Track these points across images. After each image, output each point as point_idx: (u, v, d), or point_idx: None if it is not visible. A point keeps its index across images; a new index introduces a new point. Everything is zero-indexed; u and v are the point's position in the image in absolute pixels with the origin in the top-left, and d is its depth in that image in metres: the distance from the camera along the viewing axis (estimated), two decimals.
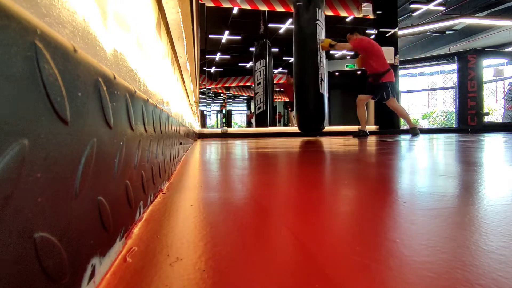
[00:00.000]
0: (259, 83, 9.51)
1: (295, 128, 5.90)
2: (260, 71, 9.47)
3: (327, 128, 5.77)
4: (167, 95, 1.24)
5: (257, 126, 9.22)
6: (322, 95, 5.06)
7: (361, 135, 4.86)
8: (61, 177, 0.26)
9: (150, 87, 0.83)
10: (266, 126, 9.07)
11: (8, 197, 0.20)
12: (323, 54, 5.08)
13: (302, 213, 0.60)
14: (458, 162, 1.46)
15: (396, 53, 7.06)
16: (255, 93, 9.62)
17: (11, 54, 0.21)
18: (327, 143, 3.37)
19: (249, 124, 16.88)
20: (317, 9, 5.01)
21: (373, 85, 4.70)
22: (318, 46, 5.02)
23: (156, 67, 1.00)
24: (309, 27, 5.08)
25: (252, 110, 10.09)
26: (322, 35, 5.08)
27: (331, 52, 12.16)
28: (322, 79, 5.03)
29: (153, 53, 0.94)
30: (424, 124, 13.08)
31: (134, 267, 0.37)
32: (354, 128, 5.80)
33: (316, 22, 5.02)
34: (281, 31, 10.71)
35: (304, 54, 5.19)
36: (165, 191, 0.82)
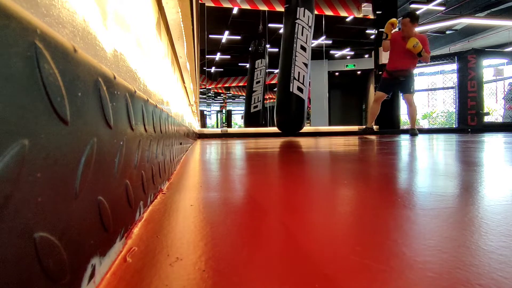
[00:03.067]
0: (258, 82, 9.50)
1: None
2: (260, 70, 9.47)
3: (325, 128, 5.75)
4: (167, 95, 1.24)
5: (250, 125, 9.17)
6: (295, 95, 5.01)
7: (368, 132, 4.82)
8: (61, 177, 0.26)
9: (150, 87, 0.83)
10: (260, 126, 9.04)
11: (8, 197, 0.20)
12: (299, 54, 5.03)
13: (301, 213, 0.60)
14: (458, 162, 1.46)
15: None
16: (253, 91, 9.58)
17: (11, 54, 0.21)
18: (325, 143, 3.37)
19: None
20: (298, 8, 5.00)
21: (392, 81, 4.55)
22: (294, 45, 4.99)
23: (156, 67, 1.00)
24: (289, 27, 5.08)
25: (245, 109, 10.02)
26: (303, 35, 5.04)
27: (330, 51, 12.19)
28: (295, 78, 4.99)
29: (153, 53, 0.94)
30: (424, 124, 13.09)
31: (134, 267, 0.37)
32: (354, 128, 5.81)
33: (296, 21, 5.00)
34: (281, 31, 10.71)
35: (282, 53, 5.20)
36: (165, 191, 0.82)
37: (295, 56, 5.02)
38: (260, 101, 9.54)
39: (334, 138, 5.05)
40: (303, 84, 5.05)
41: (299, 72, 5.03)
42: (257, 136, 6.55)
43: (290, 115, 5.12)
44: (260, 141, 4.35)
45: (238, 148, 2.89)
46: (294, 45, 5.02)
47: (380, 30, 7.16)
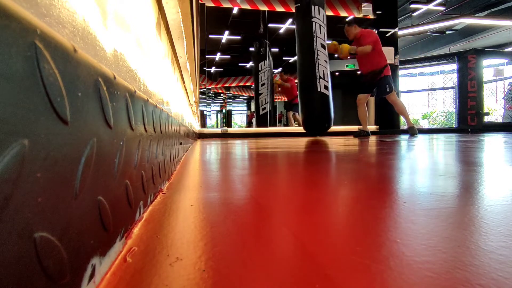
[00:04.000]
0: (263, 84, 9.49)
1: (295, 128, 5.90)
2: (264, 72, 9.46)
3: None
4: (167, 95, 1.24)
5: (259, 126, 9.17)
6: (321, 94, 5.03)
7: (362, 135, 4.84)
8: (61, 177, 0.26)
9: (150, 87, 0.83)
10: (269, 126, 9.04)
11: (8, 197, 0.20)
12: (321, 52, 5.04)
13: (302, 213, 0.60)
14: (458, 162, 1.46)
15: (396, 53, 7.06)
16: (259, 94, 9.57)
17: (11, 54, 0.21)
18: (326, 143, 3.37)
19: (249, 124, 16.84)
20: (312, 6, 5.00)
21: (370, 82, 4.66)
22: (314, 44, 4.99)
23: (156, 67, 1.00)
24: (306, 25, 5.07)
25: (253, 110, 10.01)
26: (321, 33, 5.06)
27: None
28: (320, 77, 4.99)
29: (153, 53, 0.94)
30: (424, 124, 13.09)
31: (134, 267, 0.37)
32: (355, 128, 5.81)
33: (312, 20, 5.00)
34: (281, 31, 10.71)
35: (302, 53, 5.18)
36: (165, 191, 0.82)
37: (317, 55, 4.99)
38: (268, 102, 9.49)
39: (334, 138, 5.05)
40: (328, 82, 5.06)
41: (323, 71, 5.02)
42: (257, 136, 6.56)
43: (318, 115, 5.10)
44: (260, 141, 4.35)
45: (237, 148, 2.89)
46: (315, 44, 4.99)
47: (380, 30, 7.17)
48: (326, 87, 5.05)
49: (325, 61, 5.09)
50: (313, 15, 5.01)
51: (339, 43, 4.70)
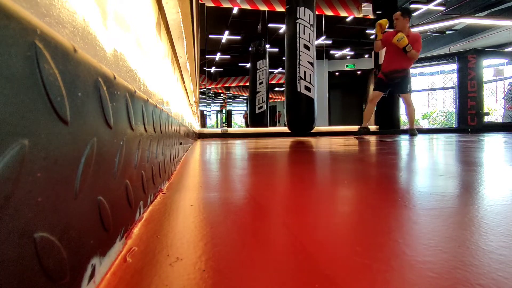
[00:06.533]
0: (261, 83, 9.50)
1: None
2: (262, 71, 9.47)
3: (325, 128, 5.75)
4: (167, 95, 1.24)
5: (255, 126, 9.16)
6: (302, 95, 5.06)
7: (362, 132, 4.82)
8: (61, 177, 0.26)
9: (150, 87, 0.83)
10: (266, 126, 9.04)
11: (8, 197, 0.20)
12: (303, 53, 5.06)
13: (302, 213, 0.60)
14: (458, 162, 1.46)
15: None
16: (257, 93, 9.58)
17: (11, 54, 0.21)
18: (326, 143, 3.37)
19: (247, 124, 16.88)
20: (298, 7, 5.03)
21: (387, 82, 4.53)
22: (297, 45, 5.02)
23: (156, 67, 1.00)
24: (291, 27, 5.13)
25: (250, 110, 10.02)
26: (305, 33, 5.07)
27: (330, 51, 12.15)
28: (301, 78, 5.03)
29: (153, 53, 0.94)
30: (424, 124, 13.09)
31: (134, 267, 0.37)
32: (354, 128, 5.82)
33: (297, 21, 5.03)
34: (281, 31, 10.72)
35: (287, 54, 5.25)
36: (165, 191, 0.82)
37: (299, 55, 5.05)
38: (264, 101, 9.53)
39: (334, 138, 5.05)
40: (310, 83, 5.08)
41: (305, 72, 5.06)
42: (257, 136, 6.55)
43: (300, 115, 5.15)
44: (260, 141, 4.35)
45: (237, 148, 2.89)
46: (297, 44, 5.05)
47: None
48: (307, 89, 5.08)
49: (309, 62, 5.11)
50: (298, 16, 5.06)
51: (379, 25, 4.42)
